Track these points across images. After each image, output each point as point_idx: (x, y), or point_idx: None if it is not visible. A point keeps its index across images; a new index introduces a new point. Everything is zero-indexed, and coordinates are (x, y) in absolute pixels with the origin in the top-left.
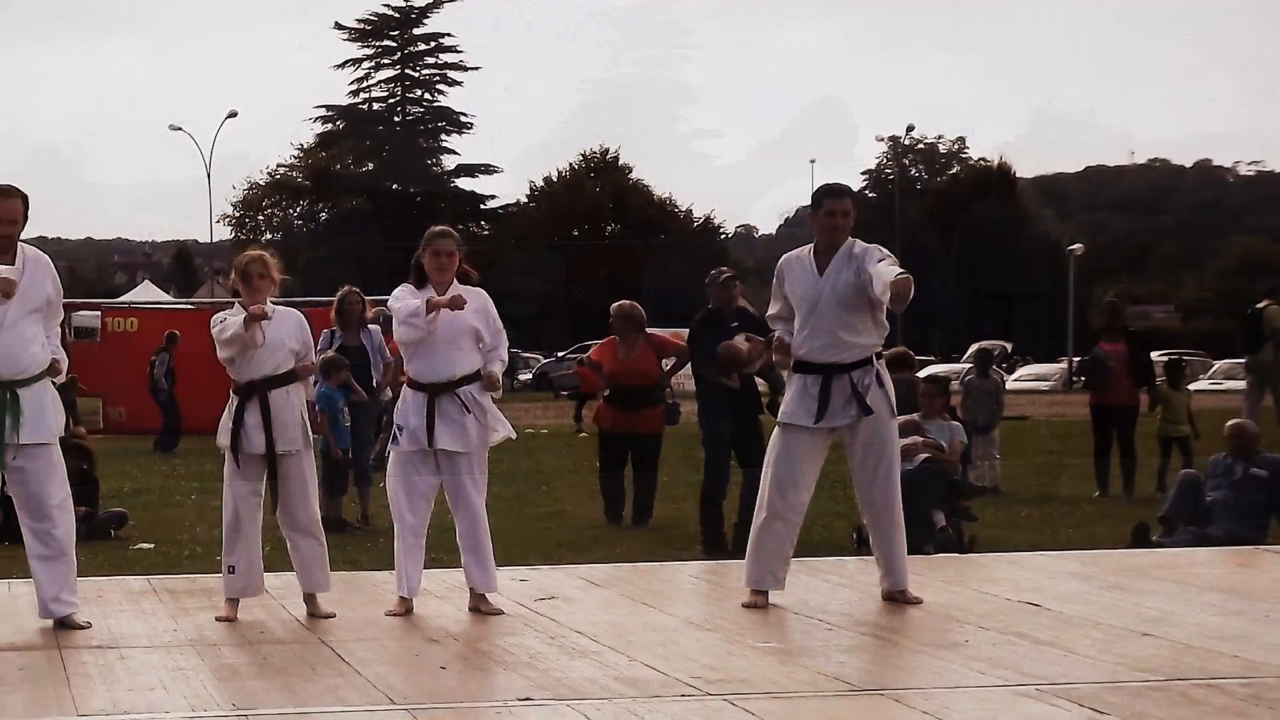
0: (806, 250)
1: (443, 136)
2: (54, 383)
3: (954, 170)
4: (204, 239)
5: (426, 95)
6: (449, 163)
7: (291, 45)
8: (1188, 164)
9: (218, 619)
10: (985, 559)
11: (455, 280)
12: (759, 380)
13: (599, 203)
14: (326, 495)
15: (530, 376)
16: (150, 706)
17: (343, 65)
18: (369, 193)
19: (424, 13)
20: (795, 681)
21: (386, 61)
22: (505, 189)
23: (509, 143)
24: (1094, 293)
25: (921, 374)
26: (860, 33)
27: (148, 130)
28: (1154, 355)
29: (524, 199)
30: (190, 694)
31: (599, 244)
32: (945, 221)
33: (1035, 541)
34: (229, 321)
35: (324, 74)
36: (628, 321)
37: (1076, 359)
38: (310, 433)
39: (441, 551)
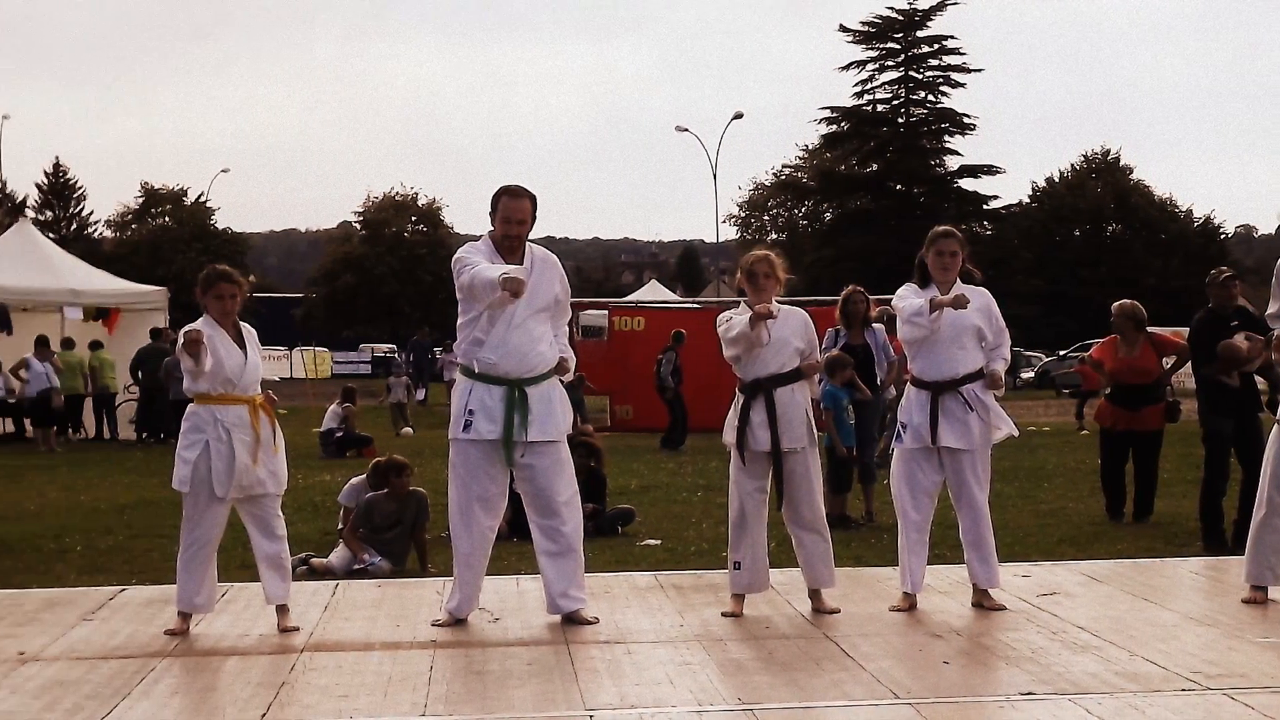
0: None
1: (946, 137)
2: (561, 381)
3: None
4: (709, 239)
5: (930, 97)
6: (952, 163)
7: (795, 47)
8: None
9: (724, 614)
10: None
11: (958, 279)
12: (1259, 378)
13: (1100, 202)
14: (831, 492)
15: (1032, 375)
16: (657, 701)
17: (847, 67)
18: (873, 193)
19: (927, 15)
20: None
21: (890, 64)
22: (1007, 189)
23: (1011, 143)
24: None
25: None
26: None
27: (654, 131)
28: None
29: (1026, 199)
30: (696, 688)
31: (1101, 243)
32: None
33: None
34: (735, 320)
35: (827, 75)
36: (1129, 320)
37: None
38: (815, 430)
39: (944, 548)
